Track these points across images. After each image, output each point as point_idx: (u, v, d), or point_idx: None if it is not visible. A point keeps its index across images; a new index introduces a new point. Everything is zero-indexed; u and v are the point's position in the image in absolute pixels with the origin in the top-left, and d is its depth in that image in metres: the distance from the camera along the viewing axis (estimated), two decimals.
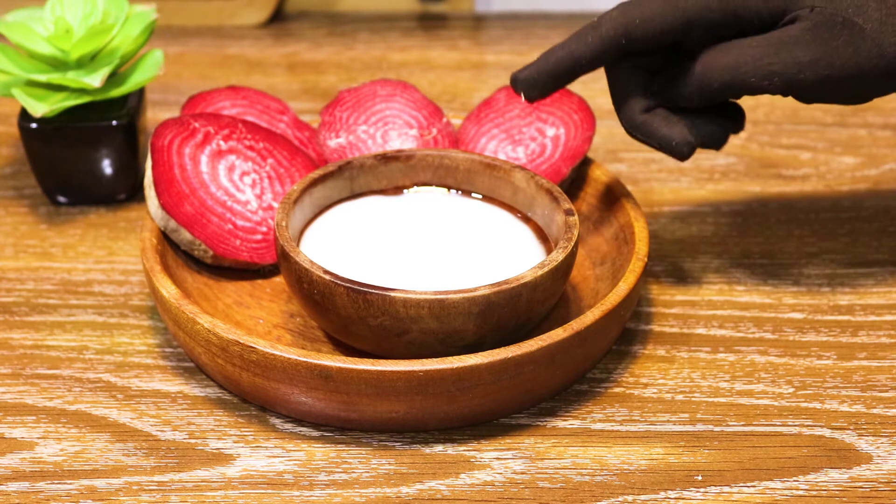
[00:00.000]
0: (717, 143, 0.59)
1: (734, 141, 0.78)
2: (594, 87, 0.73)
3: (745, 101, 0.83)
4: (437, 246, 0.59)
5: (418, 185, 0.63)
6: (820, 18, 0.55)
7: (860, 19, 0.55)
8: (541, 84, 0.58)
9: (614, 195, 0.64)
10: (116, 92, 0.69)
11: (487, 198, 0.62)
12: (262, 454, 0.53)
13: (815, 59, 0.55)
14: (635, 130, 0.59)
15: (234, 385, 0.55)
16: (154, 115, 0.80)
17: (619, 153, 0.77)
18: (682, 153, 0.58)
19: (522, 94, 0.59)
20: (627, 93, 0.58)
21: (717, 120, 0.59)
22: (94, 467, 0.52)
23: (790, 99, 0.84)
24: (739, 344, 0.60)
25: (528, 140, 0.67)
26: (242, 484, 0.51)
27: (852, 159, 0.76)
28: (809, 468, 0.52)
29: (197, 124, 0.64)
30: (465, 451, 0.53)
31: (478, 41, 0.96)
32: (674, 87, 0.58)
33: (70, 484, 0.52)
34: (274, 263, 0.63)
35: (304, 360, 0.51)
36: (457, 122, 0.70)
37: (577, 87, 0.73)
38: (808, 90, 0.56)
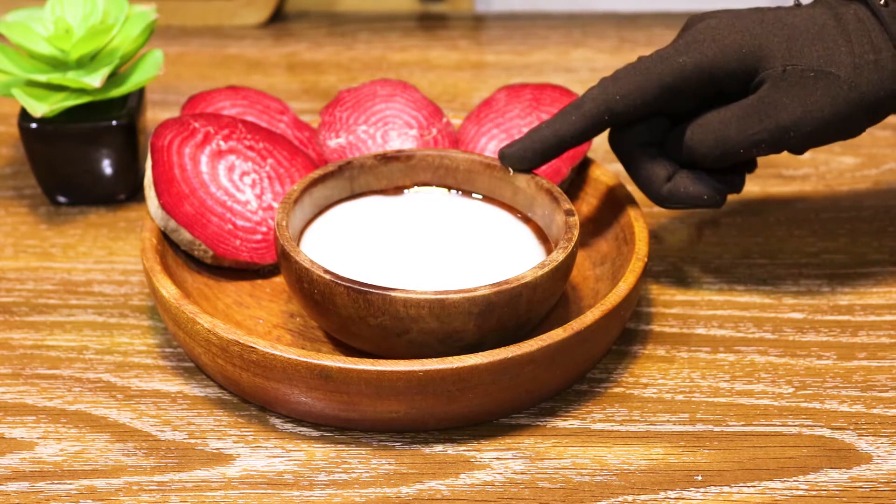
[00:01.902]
0: (737, 188, 0.61)
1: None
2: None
3: None
4: (437, 246, 0.59)
5: (418, 185, 0.63)
6: (793, 77, 0.56)
7: (833, 68, 0.55)
8: (527, 160, 0.60)
9: (614, 195, 0.64)
10: (116, 92, 0.69)
11: (487, 198, 0.62)
12: (262, 454, 0.53)
13: (798, 119, 0.56)
14: (665, 203, 0.60)
15: (234, 385, 0.55)
16: (154, 115, 0.80)
17: None
18: (716, 203, 0.59)
19: (510, 168, 0.61)
20: (644, 173, 0.60)
21: (733, 168, 0.60)
22: (94, 467, 0.52)
23: None
24: (739, 344, 0.60)
25: None
26: (242, 484, 0.51)
27: (852, 159, 0.76)
28: (809, 468, 0.52)
29: (197, 124, 0.64)
30: (465, 451, 0.53)
31: (478, 41, 0.96)
32: (679, 154, 0.60)
33: (70, 484, 0.52)
34: (274, 263, 0.63)
35: (304, 360, 0.51)
36: (457, 122, 0.70)
37: (577, 87, 0.73)
38: (798, 146, 0.58)
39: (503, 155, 0.60)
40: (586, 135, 0.59)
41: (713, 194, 0.59)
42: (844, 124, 0.57)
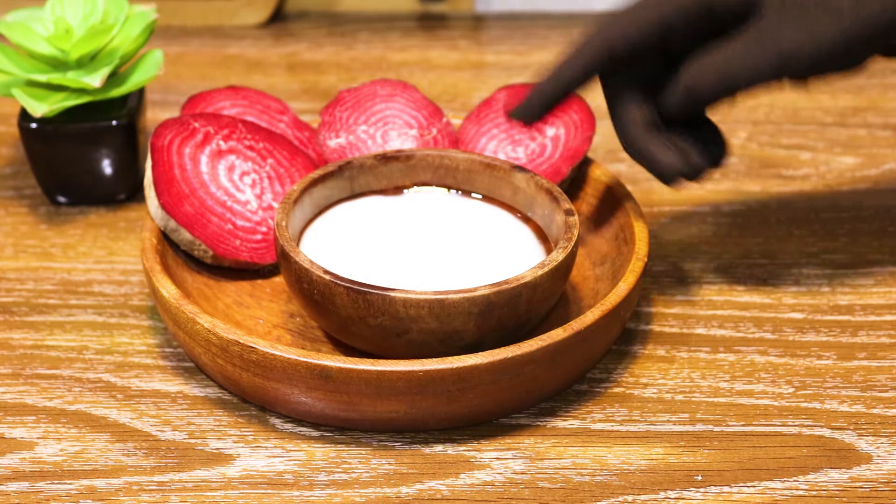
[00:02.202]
0: (696, 175, 0.59)
1: (734, 141, 0.78)
2: (594, 88, 0.73)
3: (745, 101, 0.84)
4: (437, 246, 0.59)
5: (418, 185, 0.63)
6: (794, 6, 0.55)
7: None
8: (536, 111, 0.59)
9: (614, 195, 0.64)
10: (116, 92, 0.69)
11: (487, 198, 0.62)
12: (262, 454, 0.53)
13: (800, 46, 0.55)
14: (628, 145, 0.59)
15: (234, 385, 0.55)
16: (154, 115, 0.80)
17: (619, 153, 0.77)
18: (668, 179, 0.58)
19: (523, 122, 0.60)
20: (622, 108, 0.59)
21: (705, 151, 0.59)
22: (94, 467, 0.52)
23: (790, 99, 0.84)
24: (739, 344, 0.60)
25: (528, 140, 0.67)
26: (242, 484, 0.51)
27: (852, 159, 0.76)
28: (809, 468, 0.52)
29: (197, 124, 0.64)
30: (465, 451, 0.53)
31: (478, 41, 0.96)
32: (672, 101, 0.58)
33: (70, 484, 0.52)
34: (274, 263, 0.63)
35: (304, 360, 0.51)
36: (457, 122, 0.70)
37: None
38: (799, 75, 0.56)
39: (511, 115, 0.60)
40: (589, 76, 0.59)
41: (670, 169, 0.58)
42: (847, 53, 0.56)
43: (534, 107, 0.59)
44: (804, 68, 0.56)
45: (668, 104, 0.58)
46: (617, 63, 0.58)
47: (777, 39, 0.55)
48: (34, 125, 0.68)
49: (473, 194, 0.63)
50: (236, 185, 0.63)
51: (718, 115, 0.82)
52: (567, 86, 0.59)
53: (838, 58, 0.56)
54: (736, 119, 0.81)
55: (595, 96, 0.73)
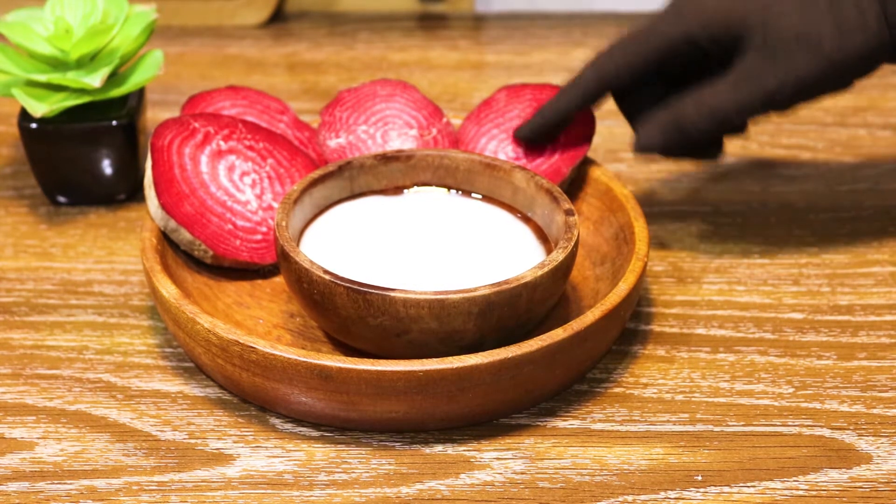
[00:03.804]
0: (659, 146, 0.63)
1: (734, 141, 0.79)
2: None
3: None
4: (437, 246, 0.59)
5: (418, 185, 0.63)
6: (775, 42, 0.57)
7: (814, 30, 0.57)
8: (541, 135, 0.65)
9: (614, 195, 0.64)
10: (116, 92, 0.69)
11: (487, 198, 0.62)
12: (262, 454, 0.53)
13: (781, 84, 0.58)
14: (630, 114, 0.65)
15: (234, 385, 0.55)
16: (154, 115, 0.80)
17: (619, 153, 0.77)
18: (639, 144, 0.63)
19: (528, 142, 0.66)
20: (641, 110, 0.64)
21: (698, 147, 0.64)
22: (94, 467, 0.52)
23: None
24: (739, 344, 0.60)
25: None
26: (242, 484, 0.51)
27: (852, 159, 0.76)
28: (809, 468, 0.52)
29: (197, 124, 0.64)
30: (465, 451, 0.53)
31: (478, 41, 0.96)
32: None
33: (70, 484, 0.52)
34: (274, 263, 0.63)
35: (304, 360, 0.51)
36: (457, 122, 0.70)
37: None
38: (785, 106, 0.60)
39: (517, 136, 0.65)
40: (587, 105, 0.64)
41: (645, 141, 0.63)
42: (830, 83, 0.59)
43: (537, 127, 0.65)
44: (787, 101, 0.59)
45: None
46: (613, 91, 0.63)
47: (761, 78, 0.58)
48: (34, 125, 0.68)
49: (473, 194, 0.63)
50: (236, 185, 0.63)
51: None
52: (566, 112, 0.64)
53: (821, 89, 0.59)
54: None
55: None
